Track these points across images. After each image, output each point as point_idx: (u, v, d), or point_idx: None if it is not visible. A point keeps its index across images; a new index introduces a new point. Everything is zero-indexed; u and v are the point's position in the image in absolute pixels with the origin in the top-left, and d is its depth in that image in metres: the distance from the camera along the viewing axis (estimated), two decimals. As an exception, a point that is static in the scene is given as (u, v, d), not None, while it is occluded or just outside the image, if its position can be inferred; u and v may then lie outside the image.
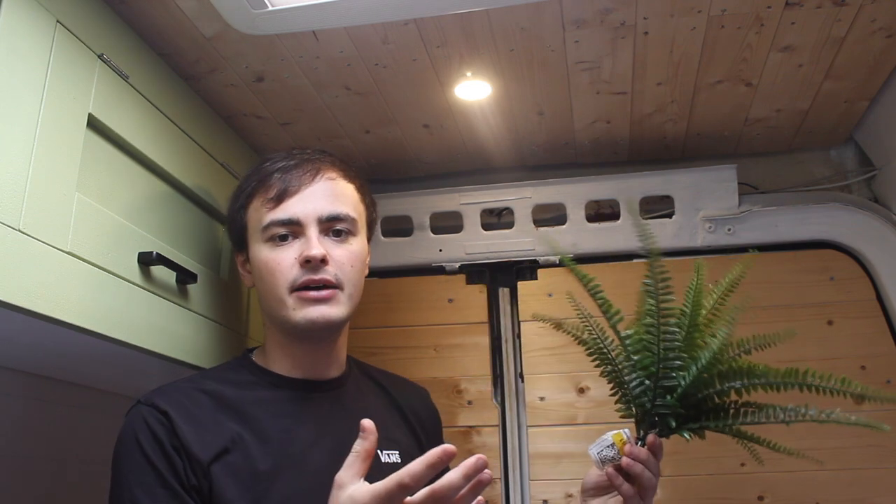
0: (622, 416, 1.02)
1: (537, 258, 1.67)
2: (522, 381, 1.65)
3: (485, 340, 1.68)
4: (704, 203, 1.60)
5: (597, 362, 1.05)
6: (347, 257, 1.08)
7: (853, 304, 1.55)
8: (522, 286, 1.68)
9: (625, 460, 0.97)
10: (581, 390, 1.60)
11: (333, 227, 1.08)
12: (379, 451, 1.10)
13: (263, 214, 1.08)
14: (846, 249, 1.58)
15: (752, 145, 1.67)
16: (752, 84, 1.40)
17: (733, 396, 0.98)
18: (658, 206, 1.67)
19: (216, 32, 1.19)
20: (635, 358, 0.99)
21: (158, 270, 1.13)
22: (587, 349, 1.05)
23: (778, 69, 1.35)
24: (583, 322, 1.05)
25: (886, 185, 1.59)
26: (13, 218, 0.85)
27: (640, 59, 1.31)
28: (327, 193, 1.09)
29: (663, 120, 1.54)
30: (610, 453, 0.99)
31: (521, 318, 1.67)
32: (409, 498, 0.79)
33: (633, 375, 0.99)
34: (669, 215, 1.62)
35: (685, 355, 0.96)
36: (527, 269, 1.69)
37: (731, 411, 0.99)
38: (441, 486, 0.79)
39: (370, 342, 1.68)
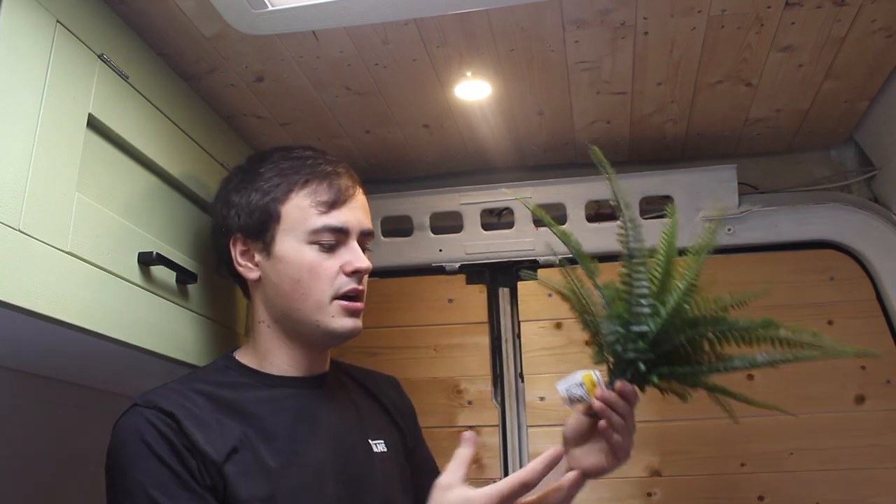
0: (595, 362, 1.02)
1: (537, 258, 1.67)
2: (522, 381, 1.65)
3: (485, 340, 1.68)
4: (704, 203, 1.59)
5: (576, 312, 1.06)
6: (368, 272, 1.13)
7: (853, 304, 1.55)
8: (522, 286, 1.68)
9: (597, 403, 0.96)
10: (581, 390, 1.60)
11: (366, 242, 1.12)
12: (370, 441, 1.13)
13: (312, 216, 1.07)
14: (846, 249, 1.58)
15: (752, 145, 1.67)
16: (752, 84, 1.40)
17: (706, 347, 0.98)
18: (658, 207, 1.67)
19: (216, 32, 1.19)
20: (611, 307, 1.00)
21: (158, 270, 1.13)
22: (568, 301, 1.06)
23: (778, 69, 1.35)
24: (564, 275, 1.05)
25: (886, 185, 1.59)
26: (13, 218, 0.85)
27: (640, 59, 1.31)
28: (364, 207, 1.14)
29: (663, 120, 1.54)
30: (578, 392, 0.98)
31: (521, 318, 1.67)
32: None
33: (608, 323, 0.99)
34: (665, 215, 1.61)
35: (656, 302, 0.96)
36: (527, 268, 1.69)
37: (706, 361, 0.98)
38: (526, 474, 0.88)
39: (370, 342, 1.68)
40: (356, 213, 1.11)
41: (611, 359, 1.00)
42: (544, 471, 0.88)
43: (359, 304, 1.09)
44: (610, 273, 1.02)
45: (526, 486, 0.88)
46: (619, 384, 0.97)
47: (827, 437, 1.50)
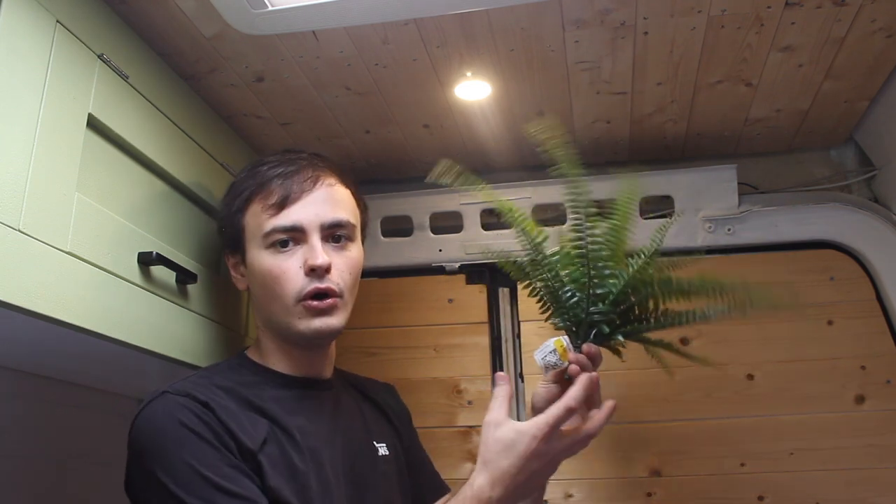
0: (556, 329, 1.04)
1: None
2: (522, 381, 1.65)
3: (485, 340, 1.68)
4: (704, 203, 1.59)
5: (525, 283, 1.08)
6: (347, 264, 1.10)
7: (853, 304, 1.55)
8: (522, 286, 1.68)
9: (572, 367, 0.98)
10: (581, 390, 1.60)
11: (334, 233, 1.09)
12: (375, 444, 1.15)
13: (264, 220, 1.07)
14: (846, 249, 1.57)
15: (752, 145, 1.67)
16: (752, 84, 1.40)
17: (651, 305, 1.01)
18: (658, 206, 1.67)
19: (216, 32, 1.19)
20: (564, 273, 1.02)
21: (158, 270, 1.13)
22: (517, 269, 1.09)
23: (778, 69, 1.35)
24: (518, 240, 1.08)
25: (886, 185, 1.59)
26: (13, 218, 0.85)
27: (640, 59, 1.31)
28: (328, 199, 1.10)
29: (663, 120, 1.54)
30: (553, 359, 1.01)
31: (521, 318, 1.67)
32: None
33: (566, 289, 1.01)
34: (669, 215, 1.61)
35: (612, 264, 0.99)
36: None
37: (655, 317, 1.02)
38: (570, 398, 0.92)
39: (370, 342, 1.68)
40: (312, 207, 1.08)
41: (571, 324, 1.02)
42: (584, 394, 0.93)
43: (326, 303, 1.05)
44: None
45: (570, 411, 0.91)
46: (585, 347, 0.99)
47: (827, 437, 1.50)
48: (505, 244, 1.68)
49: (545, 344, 1.03)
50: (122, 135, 1.08)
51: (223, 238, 1.17)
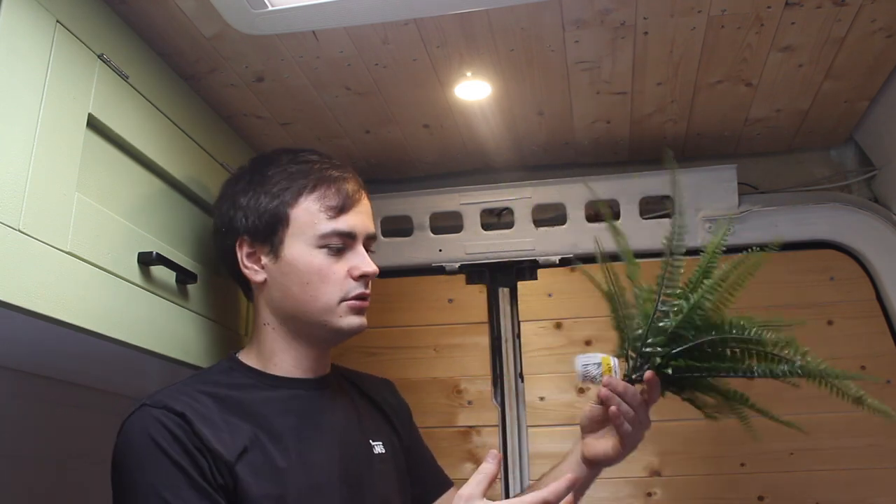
0: (616, 355, 1.06)
1: (537, 258, 1.67)
2: (522, 381, 1.65)
3: (485, 340, 1.68)
4: (704, 203, 1.59)
5: (612, 308, 1.09)
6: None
7: (853, 304, 1.55)
8: (522, 286, 1.68)
9: (603, 390, 0.98)
10: (581, 390, 1.60)
11: (370, 245, 1.15)
12: (371, 443, 1.15)
13: (322, 220, 1.09)
14: (846, 249, 1.58)
15: (752, 145, 1.67)
16: (752, 84, 1.40)
17: (728, 354, 1.02)
18: (658, 206, 1.67)
19: (216, 32, 1.19)
20: (641, 306, 1.04)
21: (158, 270, 1.13)
22: (607, 296, 1.09)
23: (778, 69, 1.35)
24: (602, 272, 1.09)
25: (886, 185, 1.59)
26: (13, 218, 0.85)
27: (640, 59, 1.31)
28: (368, 212, 1.16)
29: (663, 120, 1.54)
30: (594, 371, 1.01)
31: (521, 318, 1.67)
32: None
33: (636, 321, 1.04)
34: (669, 215, 1.61)
35: (682, 301, 1.00)
36: (527, 269, 1.69)
37: (715, 364, 1.02)
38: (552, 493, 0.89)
39: (370, 342, 1.68)
40: (362, 217, 1.13)
41: (632, 354, 1.03)
42: (565, 492, 0.90)
43: (366, 303, 1.12)
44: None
45: None
46: (647, 375, 1.00)
47: (827, 437, 1.50)
48: (505, 244, 1.68)
49: (593, 354, 1.03)
50: (122, 135, 1.08)
51: (248, 225, 1.11)
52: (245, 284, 1.15)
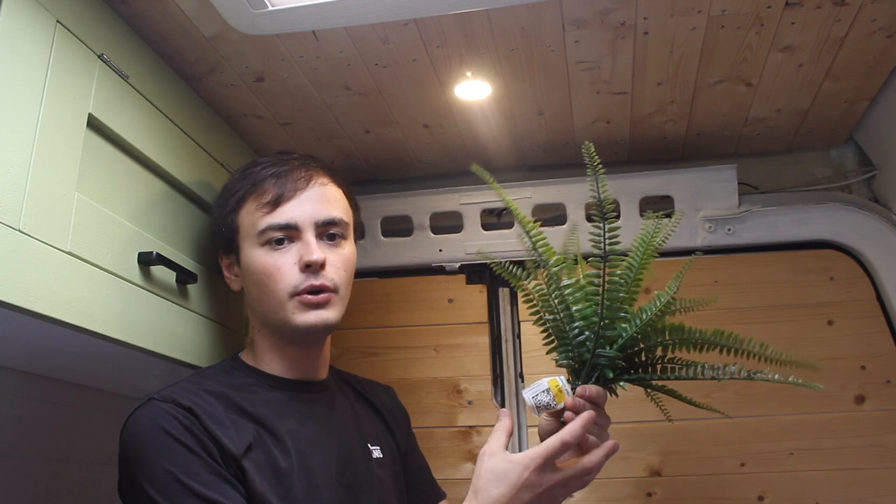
0: (558, 366, 1.02)
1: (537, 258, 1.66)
2: (522, 381, 1.65)
3: (485, 340, 1.68)
4: (704, 203, 1.59)
5: (534, 310, 1.04)
6: (341, 261, 1.11)
7: (853, 304, 1.55)
8: (530, 312, 1.68)
9: (567, 414, 0.96)
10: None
11: (328, 231, 1.10)
12: (369, 447, 1.15)
13: (258, 219, 1.09)
14: (846, 249, 1.58)
15: (752, 145, 1.67)
16: (752, 84, 1.40)
17: (658, 352, 0.99)
18: (658, 206, 1.66)
19: (216, 32, 1.19)
20: (575, 308, 0.98)
21: (158, 270, 1.13)
22: (526, 296, 1.05)
23: (778, 69, 1.35)
24: (530, 268, 1.04)
25: (886, 185, 1.59)
26: (13, 218, 0.85)
27: (640, 59, 1.31)
28: (321, 198, 1.11)
29: (663, 120, 1.54)
30: (545, 399, 0.97)
31: (521, 318, 1.67)
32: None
33: (574, 325, 0.98)
34: (669, 215, 1.61)
35: (627, 307, 0.97)
36: (526, 269, 1.69)
37: (661, 366, 1.00)
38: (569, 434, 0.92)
39: (370, 342, 1.68)
40: (307, 205, 1.09)
41: (574, 363, 1.00)
42: (582, 431, 0.93)
43: (320, 297, 1.06)
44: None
45: (566, 445, 0.92)
46: (580, 389, 0.97)
47: (827, 437, 1.50)
48: (505, 244, 1.68)
49: (538, 382, 0.98)
50: (122, 135, 1.08)
51: (216, 239, 1.17)
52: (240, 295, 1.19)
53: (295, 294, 1.06)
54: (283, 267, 1.07)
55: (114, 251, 1.03)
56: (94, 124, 1.02)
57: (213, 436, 0.96)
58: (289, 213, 1.08)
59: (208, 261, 1.30)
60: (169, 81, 1.24)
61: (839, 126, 1.59)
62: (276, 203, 1.08)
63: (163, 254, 1.12)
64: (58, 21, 0.95)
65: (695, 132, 1.60)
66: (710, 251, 1.59)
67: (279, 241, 1.08)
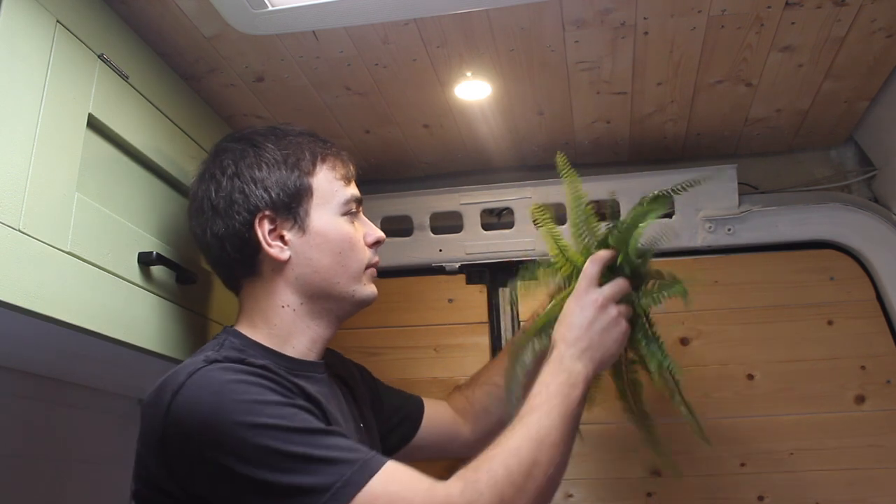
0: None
1: (537, 258, 1.66)
2: (522, 381, 1.65)
3: (485, 340, 1.67)
4: (704, 203, 1.59)
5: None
6: None
7: (853, 304, 1.55)
8: (523, 286, 1.68)
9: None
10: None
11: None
12: (361, 426, 1.16)
13: (340, 187, 1.10)
14: (846, 249, 1.57)
15: (752, 145, 1.67)
16: (752, 84, 1.40)
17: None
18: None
19: (216, 32, 1.19)
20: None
21: (158, 270, 1.13)
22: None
23: (778, 69, 1.35)
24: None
25: (886, 185, 1.59)
26: (13, 218, 0.85)
27: (640, 59, 1.31)
28: None
29: (663, 120, 1.54)
30: None
31: (521, 318, 1.67)
32: None
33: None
34: (669, 215, 1.61)
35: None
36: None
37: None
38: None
39: (370, 342, 1.68)
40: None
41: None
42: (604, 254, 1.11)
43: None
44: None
45: (594, 261, 1.10)
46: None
47: (827, 437, 1.49)
48: (505, 245, 1.68)
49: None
50: (122, 135, 1.08)
51: (264, 199, 1.04)
52: (247, 270, 1.07)
53: (367, 267, 1.11)
54: (362, 239, 1.11)
55: (114, 251, 1.03)
56: (94, 124, 1.02)
57: (300, 387, 0.92)
58: (357, 189, 1.13)
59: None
60: (169, 81, 1.24)
61: (839, 126, 1.59)
62: (349, 178, 1.12)
63: (163, 254, 1.12)
64: (58, 21, 0.95)
65: (695, 132, 1.60)
66: (709, 251, 1.59)
67: (354, 214, 1.11)
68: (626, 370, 1.19)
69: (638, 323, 1.13)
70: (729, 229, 1.58)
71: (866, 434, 1.48)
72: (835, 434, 1.50)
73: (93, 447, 1.40)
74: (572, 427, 0.98)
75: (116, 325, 1.02)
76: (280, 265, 1.05)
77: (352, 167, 1.14)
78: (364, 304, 1.12)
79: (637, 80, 1.38)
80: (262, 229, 1.04)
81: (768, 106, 1.49)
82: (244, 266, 1.08)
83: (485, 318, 1.69)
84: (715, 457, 1.52)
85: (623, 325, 1.07)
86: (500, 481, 0.87)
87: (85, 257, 0.97)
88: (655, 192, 1.17)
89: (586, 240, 1.17)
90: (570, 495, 1.55)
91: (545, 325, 1.13)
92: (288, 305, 1.06)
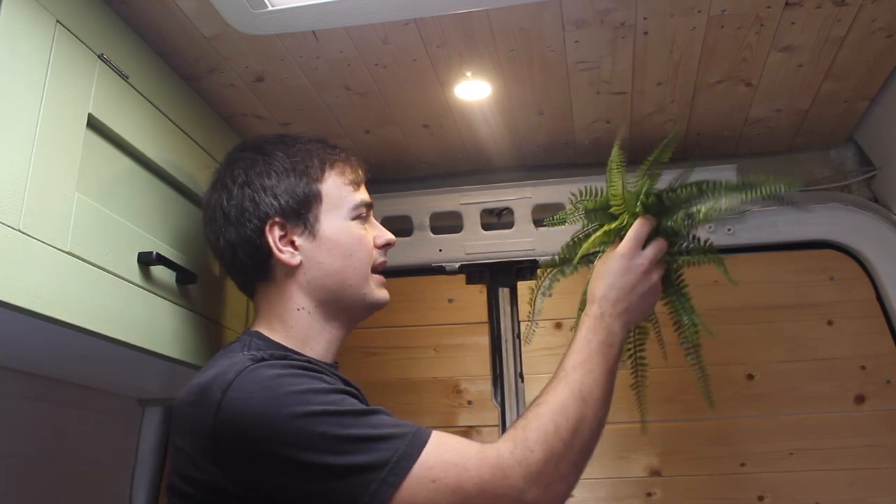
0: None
1: (537, 258, 1.67)
2: (522, 381, 1.65)
3: (485, 340, 1.68)
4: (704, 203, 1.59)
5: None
6: None
7: (853, 304, 1.55)
8: (522, 286, 1.68)
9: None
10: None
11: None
12: None
13: (350, 192, 1.11)
14: (846, 249, 1.58)
15: (752, 145, 1.67)
16: (752, 84, 1.40)
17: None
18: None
19: (216, 32, 1.19)
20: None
21: (158, 270, 1.13)
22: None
23: (778, 69, 1.35)
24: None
25: (886, 185, 1.59)
26: (13, 218, 0.85)
27: (640, 59, 1.31)
28: None
29: (663, 120, 1.54)
30: None
31: (521, 318, 1.67)
32: None
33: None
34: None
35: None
36: (527, 269, 1.69)
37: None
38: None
39: (370, 342, 1.68)
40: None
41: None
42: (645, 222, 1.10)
43: (383, 277, 1.15)
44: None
45: (641, 223, 1.09)
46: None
47: (827, 437, 1.50)
48: (504, 244, 1.68)
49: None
50: (122, 135, 1.08)
51: (274, 206, 1.06)
52: (260, 274, 1.09)
53: (374, 270, 1.12)
54: (371, 242, 1.12)
55: (114, 251, 1.03)
56: (94, 124, 1.02)
57: (344, 380, 0.96)
58: (366, 193, 1.14)
59: (208, 261, 1.30)
60: (169, 81, 1.24)
61: (839, 126, 1.59)
62: (359, 182, 1.13)
63: (163, 254, 1.12)
64: (58, 21, 0.95)
65: (695, 132, 1.60)
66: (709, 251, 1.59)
67: (366, 219, 1.13)
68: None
69: (671, 279, 1.16)
70: (729, 229, 1.59)
71: (866, 434, 1.49)
72: (835, 434, 1.50)
73: (93, 447, 1.40)
74: (611, 384, 1.01)
75: (116, 325, 1.02)
76: (292, 270, 1.07)
77: (361, 172, 1.15)
78: (376, 307, 1.13)
79: (637, 80, 1.38)
80: (273, 236, 1.06)
81: (768, 106, 1.49)
82: (257, 271, 1.10)
83: (485, 318, 1.69)
84: (715, 457, 1.52)
85: (659, 290, 1.11)
86: (550, 438, 0.91)
87: (85, 257, 0.97)
88: (743, 181, 1.11)
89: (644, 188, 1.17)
90: (571, 495, 1.55)
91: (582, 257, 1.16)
92: (303, 308, 1.08)
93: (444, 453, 0.88)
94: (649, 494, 1.53)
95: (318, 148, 1.13)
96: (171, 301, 1.16)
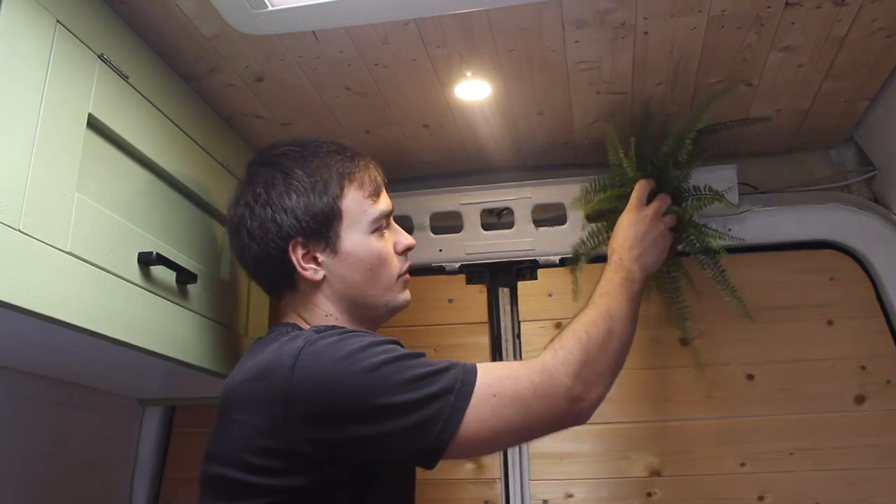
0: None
1: (537, 258, 1.67)
2: (522, 381, 1.65)
3: (485, 340, 1.68)
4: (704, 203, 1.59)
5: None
6: None
7: (853, 304, 1.55)
8: (522, 286, 1.68)
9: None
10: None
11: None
12: None
13: (368, 206, 1.14)
14: (846, 249, 1.57)
15: (752, 145, 1.67)
16: (752, 84, 1.40)
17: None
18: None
19: (216, 32, 1.19)
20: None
21: (158, 270, 1.13)
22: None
23: (778, 69, 1.35)
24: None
25: (886, 185, 1.59)
26: (13, 218, 0.85)
27: (640, 59, 1.31)
28: None
29: (663, 120, 1.54)
30: None
31: (521, 318, 1.67)
32: None
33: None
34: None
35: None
36: (527, 269, 1.69)
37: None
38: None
39: (370, 342, 1.67)
40: (387, 196, 1.19)
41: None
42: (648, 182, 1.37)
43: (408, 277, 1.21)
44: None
45: (642, 185, 1.37)
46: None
47: (827, 437, 1.50)
48: (505, 244, 1.68)
49: None
50: (122, 135, 1.08)
51: (296, 226, 1.09)
52: (285, 285, 1.13)
53: (399, 276, 1.17)
54: (392, 252, 1.16)
55: (114, 251, 1.03)
56: (94, 124, 1.02)
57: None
58: (386, 201, 1.17)
59: (208, 261, 1.30)
60: (169, 81, 1.24)
61: (839, 126, 1.59)
62: (378, 192, 1.16)
63: (163, 254, 1.12)
64: (58, 21, 0.95)
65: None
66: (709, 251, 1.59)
67: (384, 228, 1.16)
68: (667, 272, 1.48)
69: (686, 223, 1.38)
70: (729, 229, 1.58)
71: (866, 434, 1.49)
72: (835, 434, 1.50)
73: (93, 447, 1.40)
74: (634, 310, 1.16)
75: (116, 325, 1.02)
76: (316, 283, 1.12)
77: (380, 178, 1.18)
78: (397, 310, 1.19)
79: (637, 80, 1.38)
80: (296, 255, 1.10)
81: (768, 106, 1.49)
82: (282, 283, 1.14)
83: (485, 318, 1.69)
84: (715, 457, 1.52)
85: (669, 237, 1.30)
86: (584, 343, 1.06)
87: (85, 257, 0.97)
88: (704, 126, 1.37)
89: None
90: (571, 495, 1.55)
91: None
92: (331, 315, 1.13)
93: (495, 371, 1.02)
94: (649, 494, 1.53)
95: (337, 161, 1.14)
96: (171, 301, 1.16)
